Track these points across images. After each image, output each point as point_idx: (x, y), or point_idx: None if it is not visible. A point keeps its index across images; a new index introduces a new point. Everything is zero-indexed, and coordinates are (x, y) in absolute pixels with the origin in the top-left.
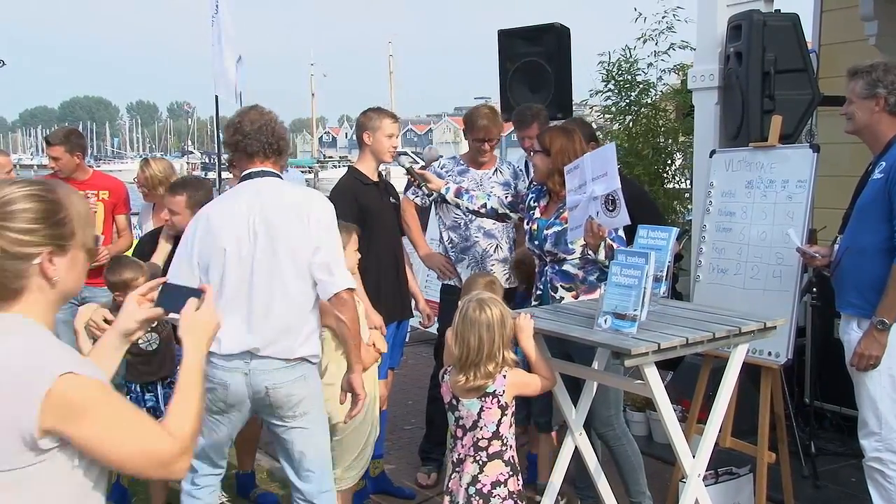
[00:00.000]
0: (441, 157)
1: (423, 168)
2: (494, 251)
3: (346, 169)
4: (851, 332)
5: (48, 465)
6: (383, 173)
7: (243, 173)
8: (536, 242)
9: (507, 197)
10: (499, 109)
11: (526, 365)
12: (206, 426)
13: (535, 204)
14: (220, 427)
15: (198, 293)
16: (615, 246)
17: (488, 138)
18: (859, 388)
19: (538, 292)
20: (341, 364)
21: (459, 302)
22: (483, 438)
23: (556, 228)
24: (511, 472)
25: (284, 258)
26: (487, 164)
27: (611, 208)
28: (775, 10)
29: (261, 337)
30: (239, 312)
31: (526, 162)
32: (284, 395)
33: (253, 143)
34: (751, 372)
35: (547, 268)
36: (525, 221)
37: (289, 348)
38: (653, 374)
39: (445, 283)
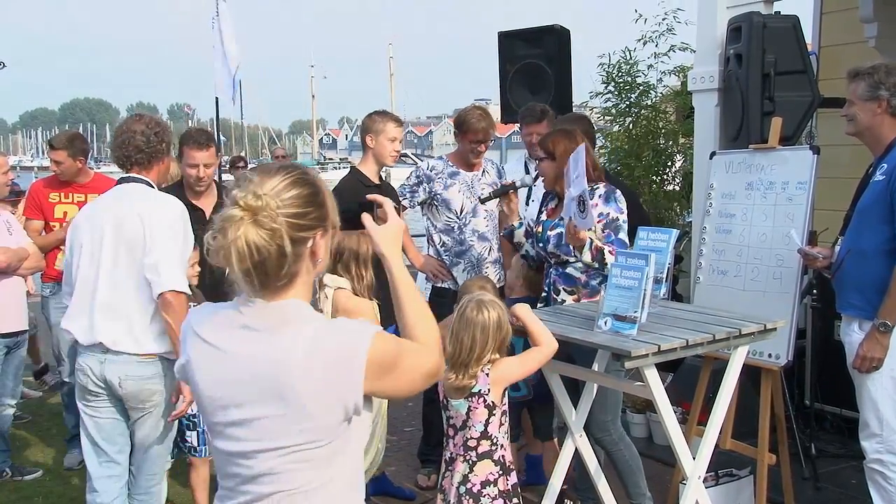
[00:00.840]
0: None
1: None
2: (489, 254)
3: (345, 170)
4: (853, 334)
5: (353, 428)
6: (384, 176)
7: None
8: (541, 244)
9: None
10: (499, 111)
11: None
12: (85, 413)
13: (544, 207)
14: (99, 414)
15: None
16: (605, 248)
17: (485, 139)
18: (860, 389)
19: (543, 294)
20: None
21: (460, 301)
22: (472, 438)
23: (558, 230)
24: (501, 472)
25: (125, 258)
26: (476, 165)
27: (581, 209)
28: (775, 12)
29: (109, 333)
30: (86, 307)
31: (525, 161)
32: (137, 389)
33: (115, 152)
34: (751, 374)
35: (551, 270)
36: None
37: (138, 344)
38: (653, 376)
39: (437, 285)
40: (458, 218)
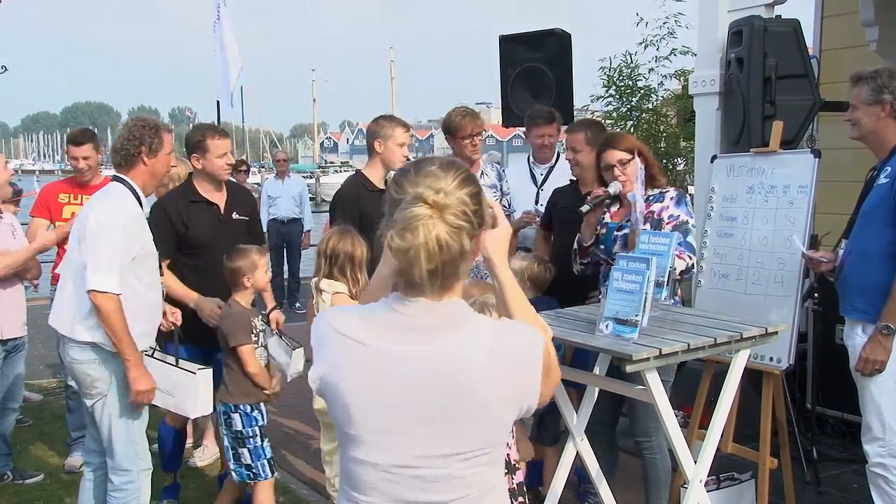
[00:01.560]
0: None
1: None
2: None
3: (346, 173)
4: (856, 337)
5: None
6: (388, 179)
7: None
8: (603, 246)
9: (495, 199)
10: (500, 115)
11: None
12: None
13: (608, 210)
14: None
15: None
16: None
17: (476, 133)
18: (863, 393)
19: (600, 297)
20: None
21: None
22: None
23: (626, 230)
24: (506, 471)
25: (74, 253)
26: (473, 167)
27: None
28: (776, 16)
29: (59, 318)
30: (56, 297)
31: (529, 164)
32: (80, 372)
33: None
34: (752, 377)
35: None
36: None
37: (74, 330)
38: (654, 380)
39: None
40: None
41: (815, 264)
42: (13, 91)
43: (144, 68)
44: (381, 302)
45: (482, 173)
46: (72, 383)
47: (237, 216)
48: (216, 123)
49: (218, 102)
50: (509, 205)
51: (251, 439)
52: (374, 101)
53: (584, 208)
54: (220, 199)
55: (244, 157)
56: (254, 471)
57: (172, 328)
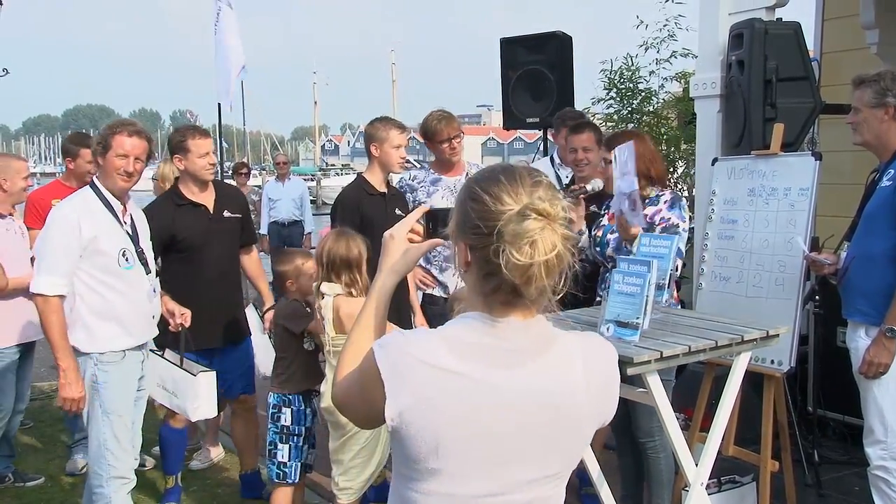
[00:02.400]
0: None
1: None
2: None
3: (347, 176)
4: (859, 340)
5: None
6: (393, 181)
7: None
8: (598, 249)
9: None
10: (501, 117)
11: None
12: None
13: (604, 212)
14: None
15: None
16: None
17: (454, 135)
18: (866, 395)
19: (598, 299)
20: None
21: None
22: None
23: (617, 234)
24: None
25: None
26: (457, 168)
27: (632, 207)
28: (777, 19)
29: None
30: None
31: (552, 158)
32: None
33: None
34: (753, 380)
35: (608, 274)
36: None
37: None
38: (655, 383)
39: (427, 292)
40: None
41: (818, 267)
42: (14, 94)
43: (146, 71)
44: (463, 323)
45: (467, 174)
46: None
47: (229, 214)
48: (217, 126)
49: (219, 105)
50: None
51: (295, 437)
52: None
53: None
54: (207, 199)
55: (244, 160)
56: (285, 470)
57: (180, 329)
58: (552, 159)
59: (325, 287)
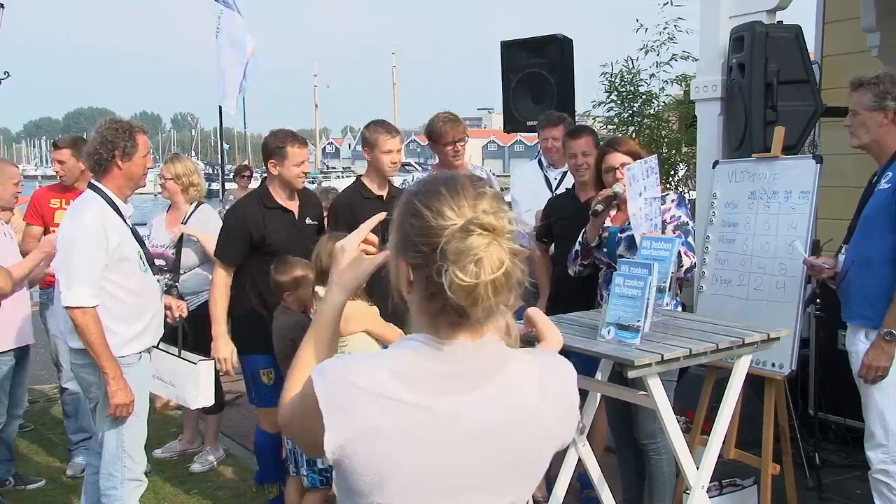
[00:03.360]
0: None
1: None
2: None
3: (348, 179)
4: (859, 343)
5: None
6: (403, 183)
7: None
8: (606, 250)
9: None
10: (502, 120)
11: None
12: None
13: (607, 214)
14: None
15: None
16: (681, 249)
17: (459, 138)
18: (867, 399)
19: (601, 301)
20: None
21: None
22: None
23: (629, 232)
24: None
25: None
26: (460, 170)
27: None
28: (778, 22)
29: (58, 324)
30: (55, 301)
31: (540, 161)
32: (78, 377)
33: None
34: (754, 383)
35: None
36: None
37: (68, 337)
38: (656, 385)
39: None
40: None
41: (817, 271)
42: (16, 97)
43: (147, 74)
44: (408, 347)
45: None
46: (67, 385)
47: (309, 221)
48: (218, 129)
49: (220, 108)
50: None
51: None
52: (377, 106)
53: (599, 207)
54: (293, 205)
55: (247, 163)
56: (326, 475)
57: (177, 320)
58: (540, 162)
59: (321, 290)
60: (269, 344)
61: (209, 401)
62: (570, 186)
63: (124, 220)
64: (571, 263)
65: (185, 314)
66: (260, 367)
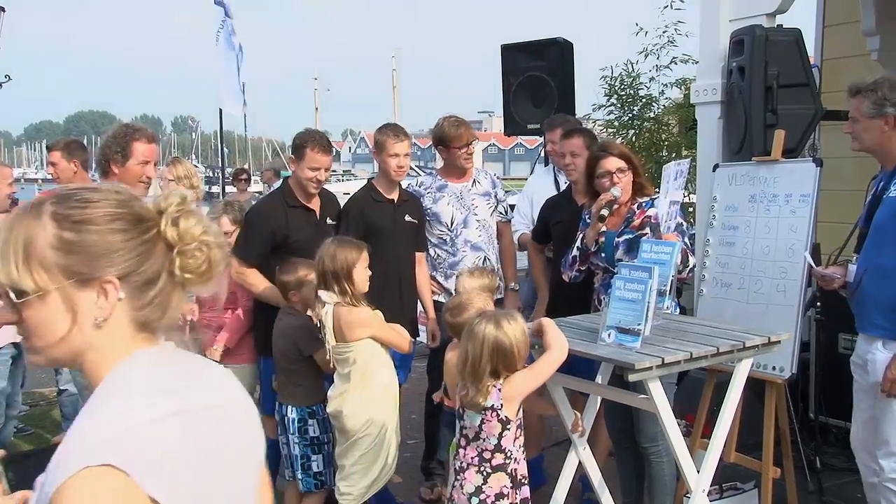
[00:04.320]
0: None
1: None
2: (483, 264)
3: (348, 182)
4: (876, 353)
5: None
6: (409, 186)
7: None
8: (604, 255)
9: (490, 207)
10: (502, 123)
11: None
12: None
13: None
14: None
15: None
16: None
17: (469, 142)
18: (883, 408)
19: (600, 305)
20: (364, 376)
21: (474, 315)
22: (486, 450)
23: (627, 236)
24: (513, 485)
25: None
26: (466, 175)
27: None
28: (777, 25)
29: None
30: None
31: (554, 169)
32: (78, 380)
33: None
34: (755, 386)
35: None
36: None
37: None
38: (657, 389)
39: (434, 299)
40: (449, 230)
41: (828, 282)
42: (16, 100)
43: (147, 77)
44: (144, 363)
45: (474, 181)
46: (65, 387)
47: (330, 221)
48: (218, 132)
49: (220, 111)
50: (505, 212)
51: (326, 445)
52: (377, 109)
53: (605, 212)
54: (315, 204)
55: (245, 167)
56: (322, 479)
57: (187, 323)
58: (553, 168)
59: (324, 295)
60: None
61: None
62: (565, 189)
63: None
64: (567, 269)
65: (196, 317)
66: (273, 373)
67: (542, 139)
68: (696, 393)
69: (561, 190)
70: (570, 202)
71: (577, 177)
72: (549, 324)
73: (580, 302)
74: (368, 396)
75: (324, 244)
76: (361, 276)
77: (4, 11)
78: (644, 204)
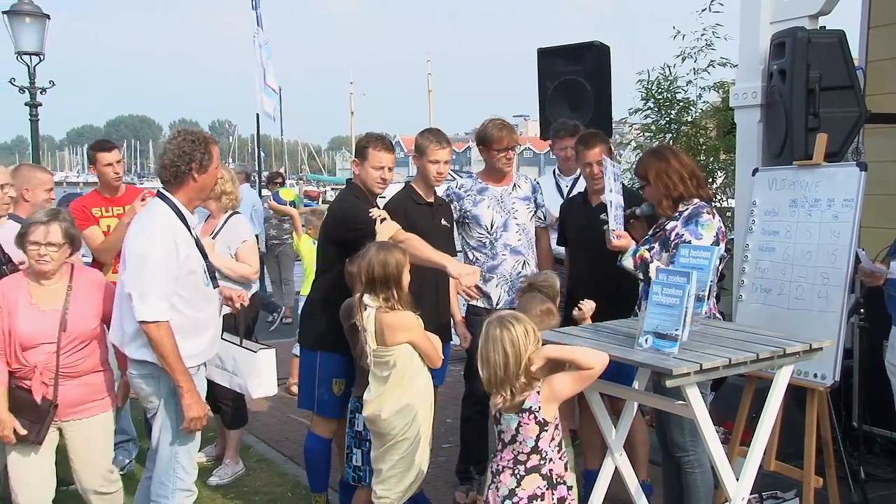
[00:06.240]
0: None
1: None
2: (522, 268)
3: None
4: None
5: None
6: (447, 189)
7: None
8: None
9: (529, 211)
10: (538, 128)
11: None
12: None
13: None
14: None
15: None
16: (654, 262)
17: (510, 146)
18: None
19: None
20: (403, 380)
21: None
22: (522, 453)
23: (645, 248)
24: (548, 486)
25: (123, 275)
26: (505, 178)
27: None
28: (820, 27)
29: (115, 334)
30: (114, 310)
31: (555, 176)
32: (136, 386)
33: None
34: (796, 394)
35: (646, 286)
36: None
37: (127, 347)
38: (695, 395)
39: (471, 303)
40: (488, 233)
41: (876, 277)
42: (59, 105)
43: (185, 82)
44: None
45: (515, 185)
46: None
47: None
48: (256, 136)
49: (258, 115)
50: (544, 217)
51: (367, 443)
52: (412, 113)
53: (638, 211)
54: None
55: (280, 170)
56: (360, 474)
57: (239, 310)
58: (554, 172)
59: (367, 299)
60: (249, 322)
61: (272, 390)
62: (581, 191)
63: (190, 232)
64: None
65: (246, 303)
66: (335, 376)
67: None
68: (734, 400)
69: (562, 191)
70: (585, 205)
71: (602, 185)
72: (559, 351)
73: (602, 297)
74: (407, 401)
75: (368, 250)
76: (407, 279)
77: (49, 19)
78: (675, 217)
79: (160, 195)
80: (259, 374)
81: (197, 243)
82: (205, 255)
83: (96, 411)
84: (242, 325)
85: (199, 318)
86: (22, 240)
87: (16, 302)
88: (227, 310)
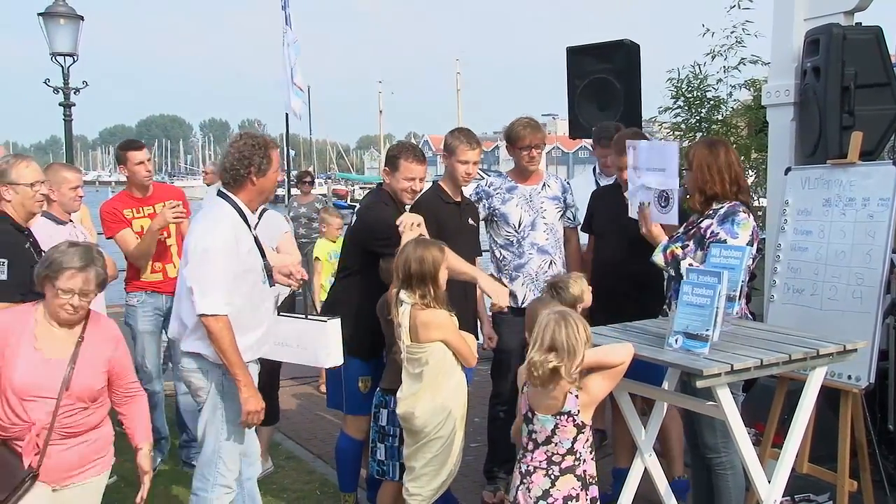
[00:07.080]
0: None
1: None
2: (549, 267)
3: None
4: None
5: None
6: (477, 187)
7: None
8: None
9: (558, 211)
10: (566, 126)
11: None
12: None
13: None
14: None
15: None
16: (686, 259)
17: (535, 144)
18: None
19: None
20: (437, 378)
21: (541, 312)
22: (557, 454)
23: (687, 246)
24: (582, 486)
25: (184, 270)
26: (534, 177)
27: (664, 204)
28: (856, 23)
29: (173, 328)
30: (174, 304)
31: (595, 176)
32: (185, 378)
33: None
34: (829, 395)
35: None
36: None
37: (182, 341)
38: (726, 396)
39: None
40: (516, 232)
41: None
42: (92, 105)
43: (215, 81)
44: None
45: (544, 185)
46: (148, 388)
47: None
48: (285, 135)
49: (286, 115)
50: (573, 217)
51: (391, 438)
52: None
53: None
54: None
55: (310, 169)
56: (384, 468)
57: (301, 285)
58: (594, 170)
59: (404, 295)
60: (375, 349)
61: (339, 359)
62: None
63: (251, 230)
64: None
65: (306, 277)
66: (360, 374)
67: None
68: (766, 401)
69: None
70: (616, 192)
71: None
72: (596, 352)
73: (626, 285)
74: (441, 399)
75: (406, 247)
76: (444, 277)
77: (83, 20)
78: (705, 214)
79: (221, 194)
80: (328, 344)
81: (256, 242)
82: (263, 255)
83: (95, 473)
84: (305, 300)
85: (255, 315)
86: (46, 281)
87: (17, 343)
88: (283, 290)
